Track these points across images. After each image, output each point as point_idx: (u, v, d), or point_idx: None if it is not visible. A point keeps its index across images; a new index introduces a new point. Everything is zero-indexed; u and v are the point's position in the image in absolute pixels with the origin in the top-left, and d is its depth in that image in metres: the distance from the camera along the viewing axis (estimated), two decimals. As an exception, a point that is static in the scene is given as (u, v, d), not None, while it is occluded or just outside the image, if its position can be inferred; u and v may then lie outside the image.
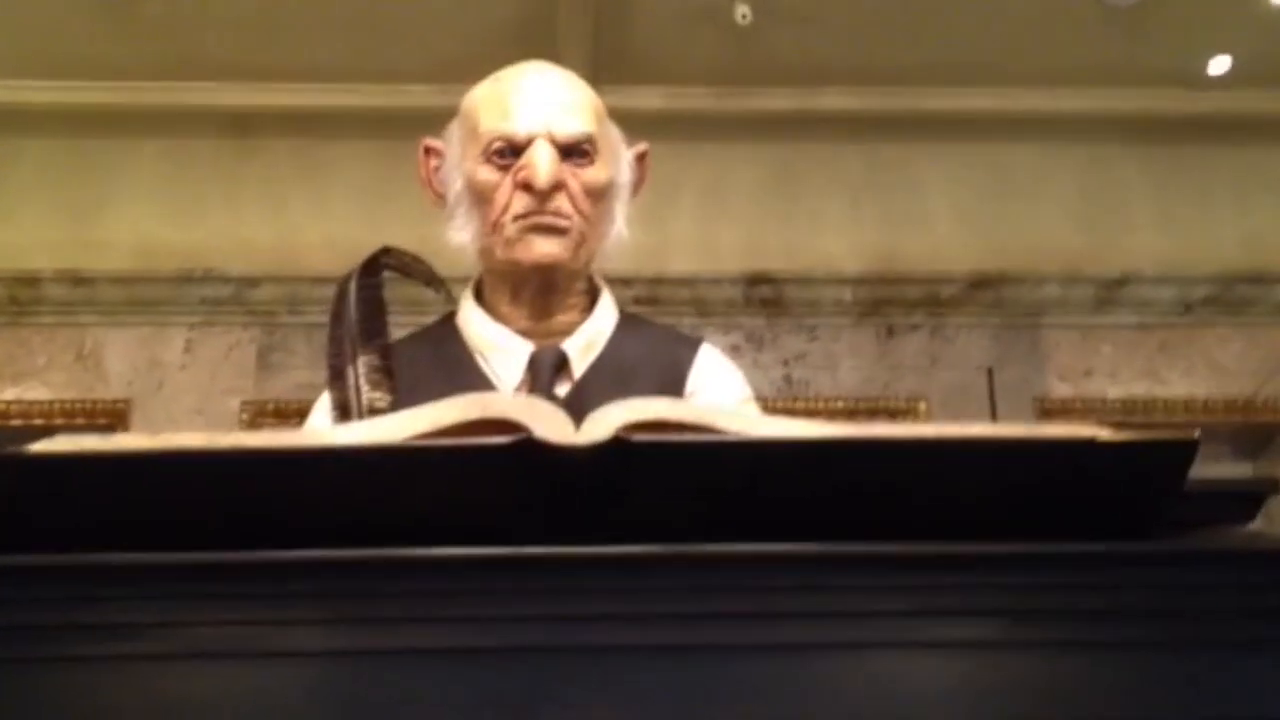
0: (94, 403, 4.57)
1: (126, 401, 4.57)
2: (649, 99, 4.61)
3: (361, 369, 1.46)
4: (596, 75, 3.73)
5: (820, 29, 4.50)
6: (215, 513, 0.83)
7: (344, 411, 1.44)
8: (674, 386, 1.61)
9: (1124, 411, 4.66)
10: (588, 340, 1.62)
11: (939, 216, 4.92)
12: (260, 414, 4.55)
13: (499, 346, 1.60)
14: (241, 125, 4.86)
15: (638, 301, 4.34)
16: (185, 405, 4.57)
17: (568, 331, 1.62)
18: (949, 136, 4.95)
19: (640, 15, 4.45)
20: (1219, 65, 4.74)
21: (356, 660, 0.79)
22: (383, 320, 1.51)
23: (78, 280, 4.61)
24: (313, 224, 4.73)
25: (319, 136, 4.88)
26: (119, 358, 4.63)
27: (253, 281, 4.63)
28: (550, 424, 0.82)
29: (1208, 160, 5.00)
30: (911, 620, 0.82)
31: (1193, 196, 4.97)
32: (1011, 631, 0.82)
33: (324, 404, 1.54)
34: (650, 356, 1.65)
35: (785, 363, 4.72)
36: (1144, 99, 4.88)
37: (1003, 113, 4.92)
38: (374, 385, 1.45)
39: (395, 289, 1.66)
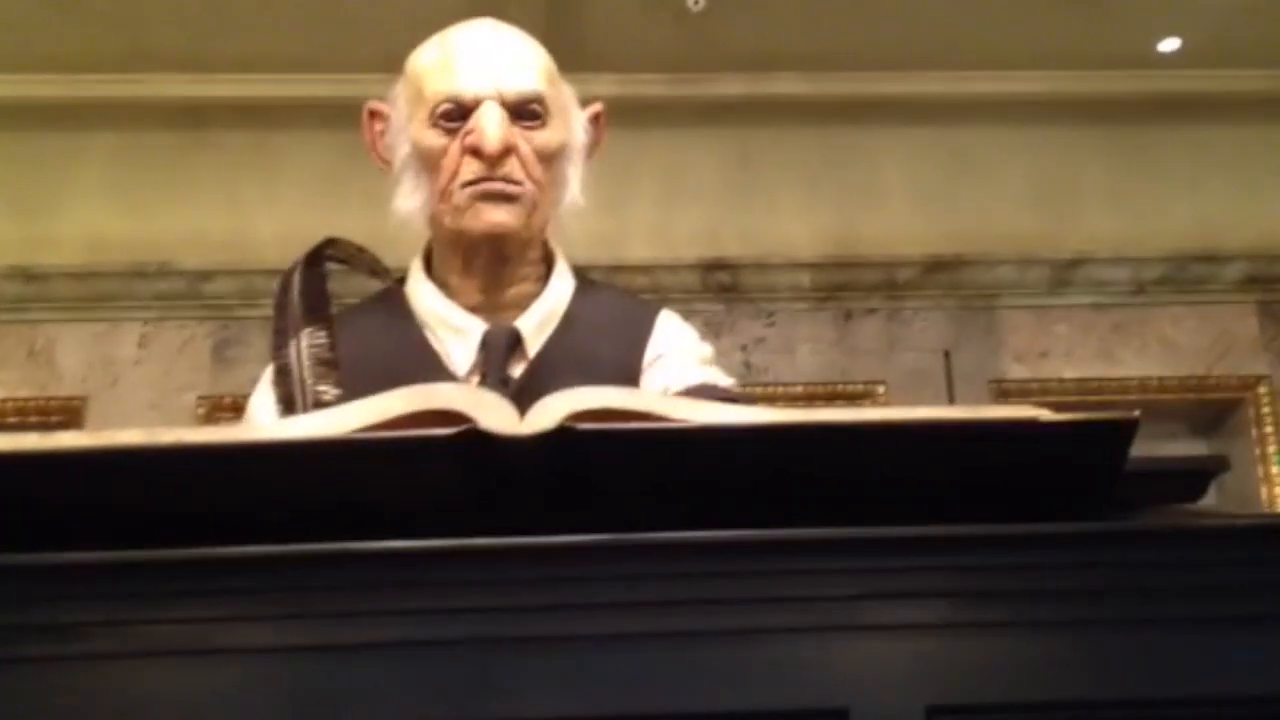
0: (48, 400, 4.52)
1: (81, 399, 4.53)
2: (602, 86, 4.56)
3: (306, 361, 1.43)
4: (550, 63, 3.71)
5: (773, 14, 4.50)
6: (159, 510, 0.83)
7: (289, 405, 1.42)
8: (633, 356, 1.57)
9: (1079, 391, 4.69)
10: (543, 316, 1.56)
11: (895, 200, 4.94)
12: (217, 408, 4.51)
13: (450, 325, 1.55)
14: (193, 117, 4.82)
15: (595, 289, 4.32)
16: (141, 401, 4.53)
17: (522, 304, 1.56)
18: (904, 120, 4.97)
19: (593, 2, 4.44)
20: (1169, 46, 4.78)
21: (304, 655, 0.79)
22: (327, 312, 1.48)
23: (29, 277, 4.56)
24: (267, 216, 4.69)
25: (272, 128, 4.84)
26: (72, 354, 4.59)
27: (207, 275, 4.59)
28: (495, 414, 0.82)
29: (1159, 141, 5.04)
30: (861, 603, 0.82)
31: (1145, 177, 5.01)
32: (959, 613, 0.82)
33: (264, 389, 1.52)
34: (608, 328, 1.60)
35: (744, 348, 4.72)
36: (1096, 81, 4.92)
37: (956, 96, 4.94)
38: (319, 378, 1.42)
39: (347, 281, 1.64)
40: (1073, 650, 0.82)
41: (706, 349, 1.66)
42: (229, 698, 0.78)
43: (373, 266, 1.60)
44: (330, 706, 0.77)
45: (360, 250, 1.59)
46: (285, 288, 1.49)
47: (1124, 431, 0.84)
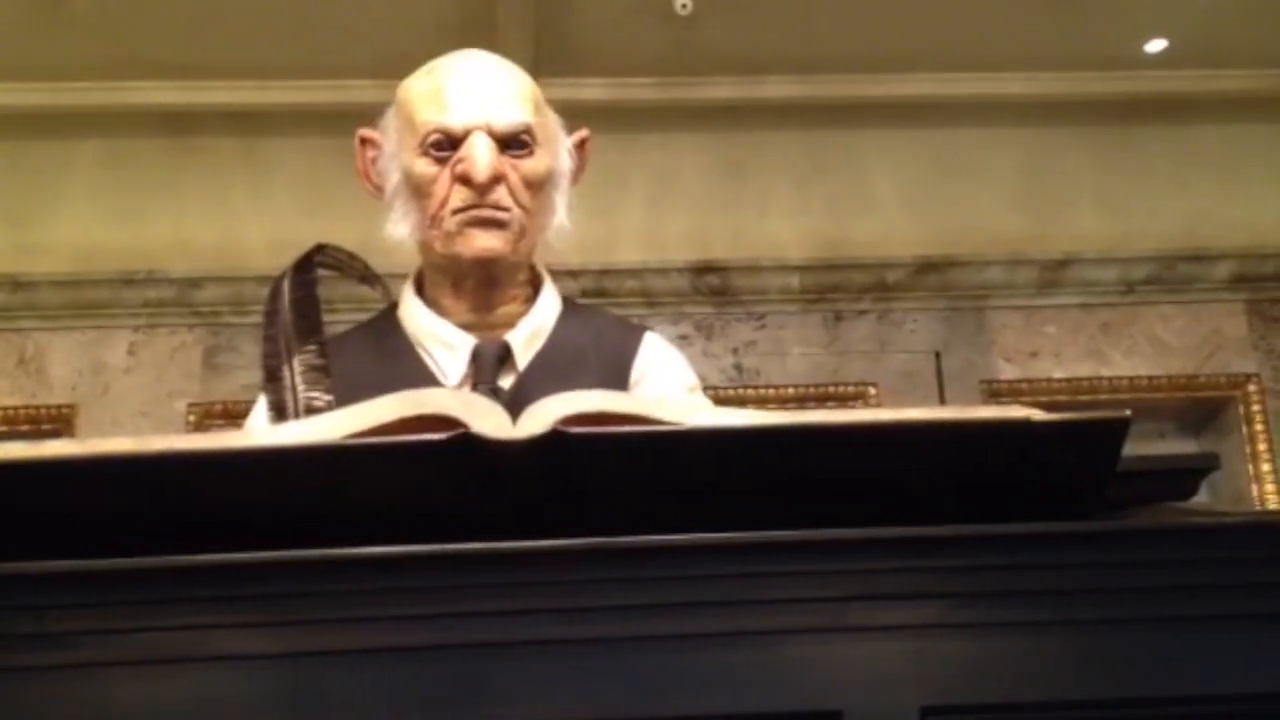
0: (38, 409, 4.50)
1: (71, 407, 4.51)
2: (592, 90, 4.60)
3: (298, 368, 1.44)
4: (538, 67, 3.72)
5: (761, 17, 4.50)
6: (150, 517, 0.83)
7: (280, 412, 1.43)
8: (619, 374, 1.62)
9: (1070, 391, 4.70)
10: (531, 331, 1.62)
11: (884, 202, 4.94)
12: (208, 415, 4.49)
13: (441, 340, 1.60)
14: (181, 124, 4.80)
15: (585, 293, 4.33)
16: (131, 409, 4.52)
17: (511, 323, 1.62)
18: (892, 122, 4.98)
19: (581, 6, 4.43)
20: (1155, 47, 4.79)
21: (295, 662, 0.79)
22: (318, 318, 1.49)
23: (17, 285, 4.54)
24: (256, 223, 4.68)
25: (260, 134, 4.82)
26: (62, 363, 4.57)
27: (196, 282, 4.58)
28: (487, 419, 0.82)
29: (1146, 140, 5.05)
30: (854, 605, 0.82)
31: (1133, 177, 5.02)
32: (953, 614, 0.83)
33: (263, 405, 1.53)
34: (594, 345, 1.65)
35: (734, 351, 4.72)
36: (1083, 82, 4.92)
37: (944, 98, 4.94)
38: (310, 384, 1.43)
39: (338, 287, 1.64)
40: (1066, 650, 0.82)
41: (691, 378, 1.71)
42: (219, 705, 0.78)
43: (363, 273, 1.63)
44: (323, 713, 0.77)
45: (351, 256, 1.62)
46: (275, 294, 1.51)
47: (1116, 431, 0.84)
